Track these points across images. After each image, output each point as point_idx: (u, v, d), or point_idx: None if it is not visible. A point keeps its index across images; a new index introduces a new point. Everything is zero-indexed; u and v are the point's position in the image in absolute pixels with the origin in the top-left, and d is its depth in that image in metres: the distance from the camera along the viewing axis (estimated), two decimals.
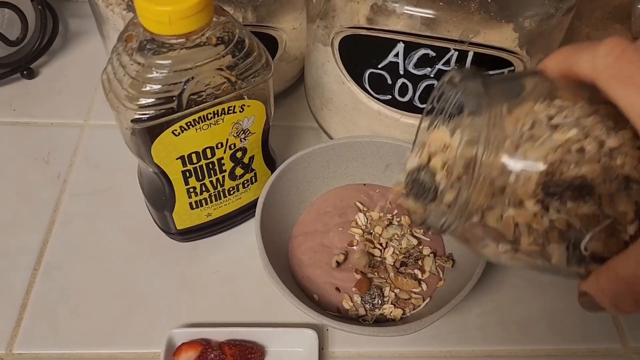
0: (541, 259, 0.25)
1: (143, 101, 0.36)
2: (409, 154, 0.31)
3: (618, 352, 0.45)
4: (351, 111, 0.48)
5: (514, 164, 0.23)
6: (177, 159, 0.40)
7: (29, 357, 0.42)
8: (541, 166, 0.23)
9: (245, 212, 0.49)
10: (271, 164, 0.47)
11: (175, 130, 0.38)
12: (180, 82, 0.36)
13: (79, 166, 0.54)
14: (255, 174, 0.46)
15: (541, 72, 0.26)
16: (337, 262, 0.43)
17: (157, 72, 0.35)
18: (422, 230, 0.46)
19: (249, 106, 0.40)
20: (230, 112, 0.39)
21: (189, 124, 0.38)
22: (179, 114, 0.37)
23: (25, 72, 0.60)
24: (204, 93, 0.37)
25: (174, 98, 0.36)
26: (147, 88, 0.35)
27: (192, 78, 0.36)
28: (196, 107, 0.37)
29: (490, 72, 0.43)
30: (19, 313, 0.44)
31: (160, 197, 0.44)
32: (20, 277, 0.46)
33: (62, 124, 0.57)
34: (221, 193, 0.45)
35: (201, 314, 0.45)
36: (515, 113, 0.24)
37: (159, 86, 0.35)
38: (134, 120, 0.37)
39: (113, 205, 0.51)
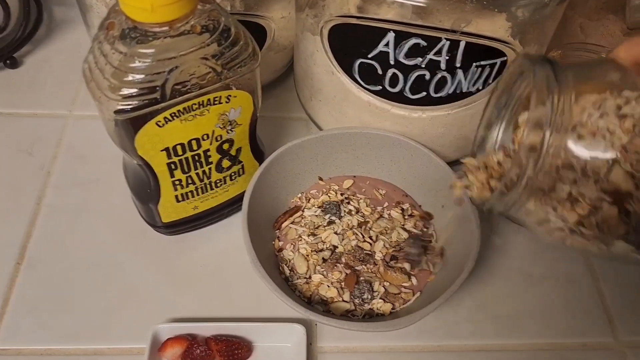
0: (599, 243, 0.25)
1: (126, 91, 0.35)
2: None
3: (610, 345, 0.45)
4: (341, 102, 0.48)
5: (581, 150, 0.23)
6: (161, 150, 0.39)
7: (13, 352, 0.41)
8: (608, 154, 0.23)
9: (232, 205, 0.48)
10: (259, 155, 0.46)
11: (160, 121, 0.37)
12: (164, 72, 0.34)
13: (64, 158, 0.53)
14: (242, 166, 0.45)
15: (612, 61, 0.26)
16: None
17: (139, 62, 0.34)
18: (413, 223, 0.46)
19: (235, 97, 0.39)
20: (216, 102, 0.38)
21: (173, 114, 0.37)
22: (163, 104, 0.36)
23: (8, 62, 0.58)
24: (188, 83, 0.36)
25: (158, 88, 0.35)
26: (130, 78, 0.34)
27: (176, 67, 0.35)
28: (181, 98, 0.36)
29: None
30: (2, 308, 0.43)
31: (145, 190, 0.43)
32: (3, 271, 0.45)
33: (46, 115, 0.56)
34: (208, 185, 0.44)
35: (187, 309, 0.44)
36: (582, 101, 0.24)
37: (142, 76, 0.34)
38: (116, 111, 0.35)
39: (98, 197, 0.50)
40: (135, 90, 0.35)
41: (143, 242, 0.47)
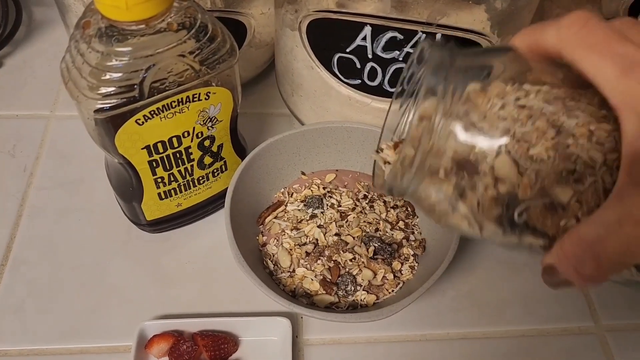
0: (474, 227, 0.26)
1: (104, 90, 0.35)
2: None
3: (590, 330, 0.46)
4: (321, 97, 0.48)
5: (469, 137, 0.24)
6: (142, 148, 0.39)
7: None
8: (498, 141, 0.23)
9: (216, 202, 0.48)
10: (241, 151, 0.47)
11: (139, 119, 0.37)
12: (141, 70, 0.35)
13: (46, 158, 0.52)
14: (225, 162, 0.45)
15: (512, 49, 0.26)
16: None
17: (116, 60, 0.34)
18: (395, 215, 0.46)
19: (214, 93, 0.39)
20: (195, 99, 0.38)
21: (152, 112, 0.37)
22: (142, 102, 0.36)
23: None
24: (166, 80, 0.36)
25: (136, 86, 0.35)
26: (107, 76, 0.34)
27: (154, 65, 0.35)
28: (159, 95, 0.36)
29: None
30: None
31: (127, 189, 0.43)
32: None
33: (28, 116, 0.56)
34: (190, 182, 0.45)
35: (173, 306, 0.44)
36: (489, 91, 0.24)
37: (120, 74, 0.35)
38: (95, 110, 0.36)
39: (81, 197, 0.50)
40: (114, 88, 0.35)
41: (127, 240, 0.47)
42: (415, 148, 0.25)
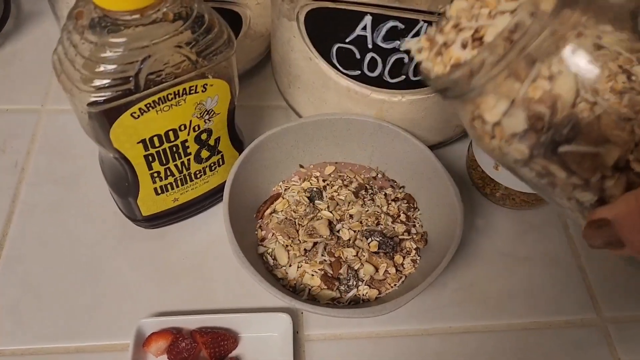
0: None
1: (98, 83, 0.34)
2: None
3: (593, 322, 0.45)
4: (320, 88, 0.47)
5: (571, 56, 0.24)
6: (138, 142, 0.38)
7: None
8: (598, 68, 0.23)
9: (213, 196, 0.47)
10: (238, 145, 0.46)
11: (135, 112, 0.36)
12: (137, 61, 0.34)
13: (38, 153, 0.51)
14: (222, 156, 0.45)
15: None
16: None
17: (111, 51, 0.33)
18: (396, 208, 0.45)
19: (211, 85, 0.38)
20: (192, 92, 0.37)
21: (148, 105, 0.36)
22: (137, 95, 0.35)
23: None
24: (162, 72, 0.35)
25: (131, 78, 0.34)
26: (102, 68, 0.33)
27: (149, 56, 0.34)
28: (155, 88, 0.35)
29: None
30: None
31: (123, 184, 0.42)
32: None
33: (18, 110, 0.54)
34: (187, 177, 0.44)
35: (171, 303, 0.43)
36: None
37: (114, 66, 0.33)
38: (89, 104, 0.34)
39: (75, 193, 0.49)
40: (108, 81, 0.34)
41: (123, 236, 0.46)
42: (504, 50, 0.24)
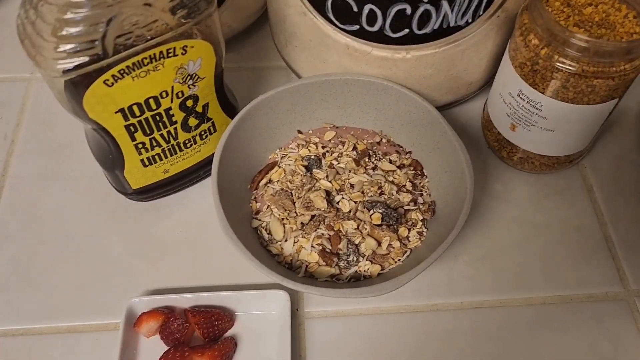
0: None
1: (62, 48, 0.31)
2: None
3: (620, 295, 0.42)
4: (317, 46, 0.43)
5: None
6: (116, 112, 0.35)
7: None
8: None
9: (207, 166, 0.44)
10: (231, 111, 0.42)
11: (107, 79, 0.33)
12: (102, 22, 0.30)
13: (28, 124, 0.49)
14: (212, 123, 0.41)
15: None
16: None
17: (73, 12, 0.30)
18: (402, 175, 0.42)
19: (192, 47, 0.35)
20: (170, 55, 0.34)
21: (122, 71, 0.33)
22: (107, 60, 0.32)
23: None
24: (132, 35, 0.32)
25: (97, 42, 0.31)
26: (65, 32, 0.30)
27: (115, 17, 0.30)
28: (126, 52, 0.32)
29: None
30: None
31: (107, 157, 0.40)
32: None
33: (7, 79, 0.52)
34: (176, 147, 0.41)
35: (165, 279, 0.41)
36: None
37: (78, 29, 0.30)
38: (57, 72, 0.32)
39: (66, 165, 0.47)
40: (73, 45, 0.31)
41: (115, 210, 0.44)
42: None
